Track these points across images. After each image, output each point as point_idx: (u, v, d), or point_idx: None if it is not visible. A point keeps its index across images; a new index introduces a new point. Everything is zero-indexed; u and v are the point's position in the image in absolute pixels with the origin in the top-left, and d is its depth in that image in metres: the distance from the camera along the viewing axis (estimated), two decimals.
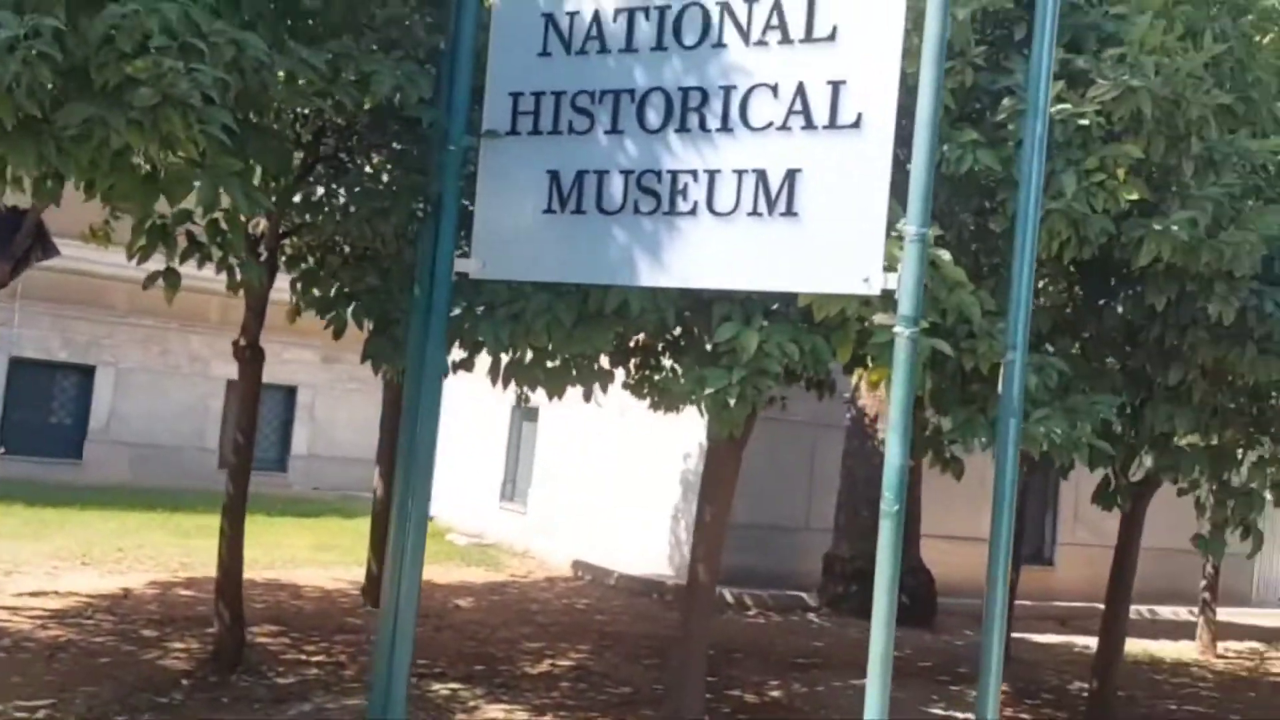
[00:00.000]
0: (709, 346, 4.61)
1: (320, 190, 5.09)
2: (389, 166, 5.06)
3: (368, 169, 5.17)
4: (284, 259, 5.60)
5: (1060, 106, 4.44)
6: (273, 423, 17.78)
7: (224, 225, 4.23)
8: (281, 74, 3.98)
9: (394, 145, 5.01)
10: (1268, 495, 6.04)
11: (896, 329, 3.76)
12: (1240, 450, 6.08)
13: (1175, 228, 4.54)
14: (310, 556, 10.57)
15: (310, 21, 4.54)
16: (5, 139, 3.48)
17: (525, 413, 13.36)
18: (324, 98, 4.30)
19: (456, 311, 4.62)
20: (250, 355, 5.94)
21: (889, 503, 3.74)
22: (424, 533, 4.59)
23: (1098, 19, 4.80)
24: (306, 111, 4.95)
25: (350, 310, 5.22)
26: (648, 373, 5.77)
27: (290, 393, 17.96)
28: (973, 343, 4.50)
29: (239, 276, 4.75)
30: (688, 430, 9.60)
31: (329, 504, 15.26)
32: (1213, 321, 5.05)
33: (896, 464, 3.74)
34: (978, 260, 5.05)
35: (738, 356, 4.23)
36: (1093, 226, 4.53)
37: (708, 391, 4.24)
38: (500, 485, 13.96)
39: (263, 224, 5.29)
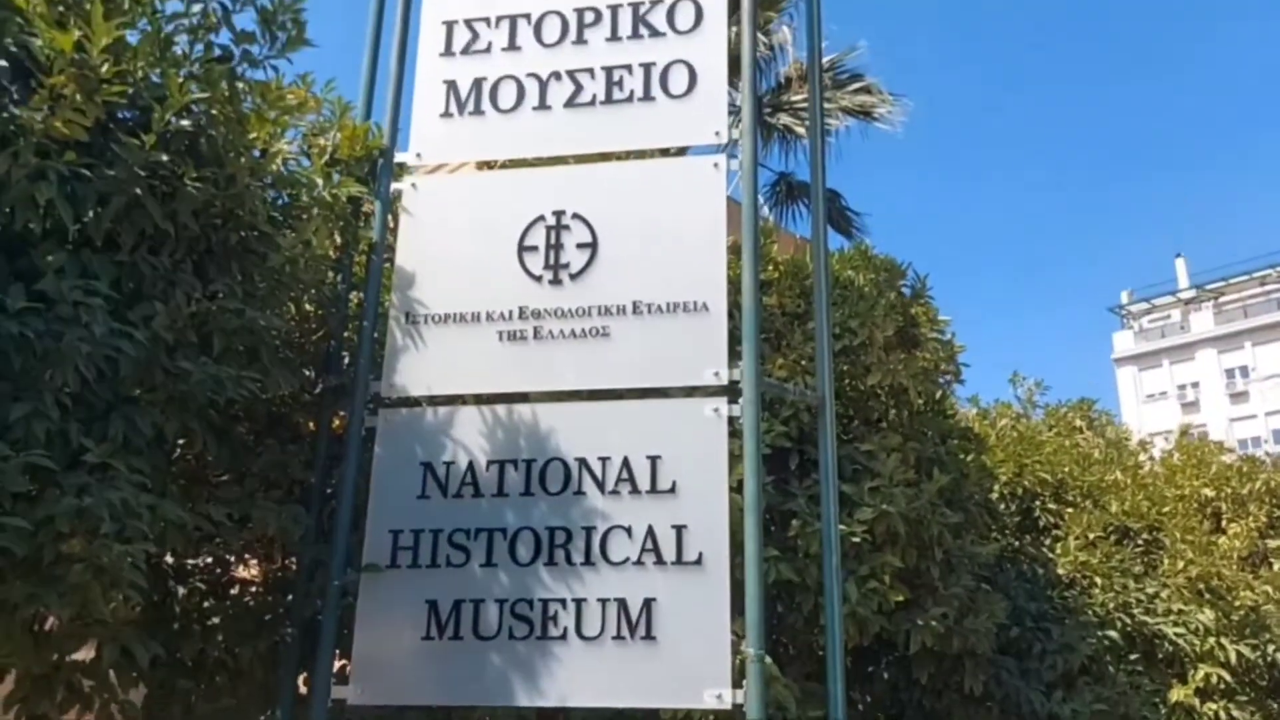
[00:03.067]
0: None
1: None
2: (258, 590, 5.32)
3: (232, 591, 5.40)
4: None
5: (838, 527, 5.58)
6: None
7: (113, 679, 4.33)
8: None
9: (273, 561, 5.31)
10: None
11: None
12: None
13: (933, 621, 5.68)
14: None
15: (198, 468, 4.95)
16: None
17: None
18: (211, 540, 4.66)
19: None
20: None
21: None
22: None
23: (852, 452, 6.15)
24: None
25: None
26: None
27: None
28: None
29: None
30: None
31: None
32: (965, 690, 6.15)
33: None
34: (784, 650, 5.94)
35: None
36: (872, 625, 5.58)
37: None
38: None
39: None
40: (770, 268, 6.64)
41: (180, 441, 4.59)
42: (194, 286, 4.35)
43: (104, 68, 3.74)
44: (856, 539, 5.60)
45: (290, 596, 5.25)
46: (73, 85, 3.67)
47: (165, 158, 4.09)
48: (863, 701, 6.83)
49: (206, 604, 5.21)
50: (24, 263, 3.90)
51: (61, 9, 3.87)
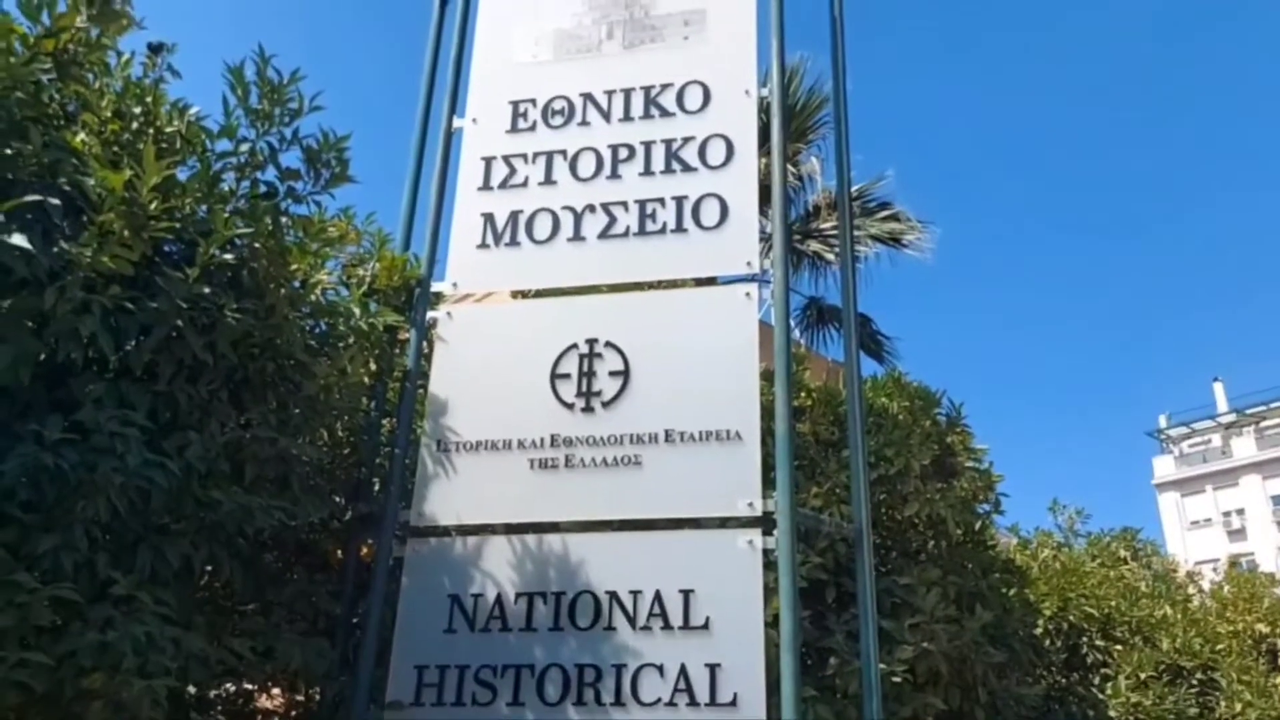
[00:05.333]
0: None
1: None
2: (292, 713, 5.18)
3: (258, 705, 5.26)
4: None
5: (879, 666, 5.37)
6: None
7: None
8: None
9: (296, 691, 5.18)
10: None
11: None
12: None
13: None
14: None
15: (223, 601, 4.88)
16: None
17: None
18: (234, 673, 4.56)
19: None
20: None
21: None
22: None
23: (890, 586, 5.97)
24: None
25: None
26: None
27: None
28: None
29: None
30: None
31: None
32: None
33: None
34: None
35: None
36: None
37: None
38: None
39: None
40: (803, 395, 6.61)
41: (207, 570, 4.54)
42: (229, 415, 4.38)
43: (152, 205, 3.86)
44: (897, 679, 5.39)
45: None
46: (121, 222, 3.78)
47: (207, 290, 4.17)
48: None
49: None
50: (62, 392, 3.95)
51: (115, 149, 4.02)
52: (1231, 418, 49.85)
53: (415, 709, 4.78)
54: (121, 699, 3.63)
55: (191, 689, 5.14)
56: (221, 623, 4.68)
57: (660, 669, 4.65)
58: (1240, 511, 45.92)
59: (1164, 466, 49.73)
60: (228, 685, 5.25)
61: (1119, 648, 8.08)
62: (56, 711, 3.59)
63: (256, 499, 4.30)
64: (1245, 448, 47.45)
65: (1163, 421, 52.50)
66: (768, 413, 5.06)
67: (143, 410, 3.96)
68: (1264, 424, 48.35)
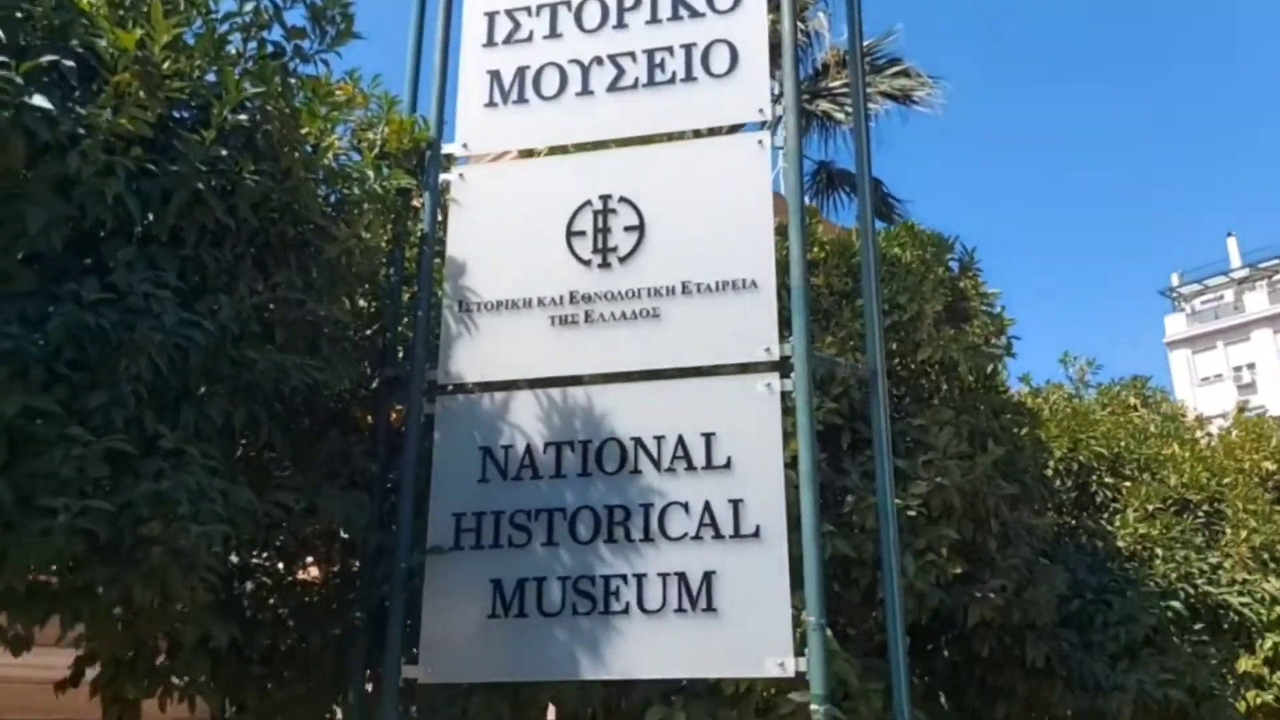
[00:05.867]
0: None
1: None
2: (322, 583, 5.44)
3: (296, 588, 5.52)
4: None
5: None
6: None
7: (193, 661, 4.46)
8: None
9: (332, 562, 5.43)
10: None
11: (813, 706, 4.47)
12: None
13: (992, 594, 5.65)
14: None
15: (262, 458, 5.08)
16: (15, 602, 3.73)
17: None
18: (280, 527, 4.78)
19: None
20: None
21: None
22: None
23: (905, 428, 6.14)
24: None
25: None
26: None
27: None
28: (852, 703, 5.28)
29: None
30: None
31: None
32: (1027, 664, 6.11)
33: None
34: (841, 629, 5.94)
35: None
36: (930, 598, 5.56)
37: None
38: None
39: None
40: (816, 248, 6.65)
41: (246, 433, 4.71)
42: (255, 279, 4.48)
43: (165, 64, 3.87)
44: (912, 513, 5.59)
45: (356, 584, 5.35)
46: (136, 82, 3.80)
47: (224, 152, 4.21)
48: (922, 681, 6.80)
49: (272, 599, 5.34)
50: (93, 258, 4.04)
51: (121, 11, 4.01)
52: (1245, 273, 49.55)
53: (455, 553, 5.01)
54: (179, 545, 3.83)
55: (234, 559, 5.40)
56: (263, 480, 4.88)
57: (685, 506, 4.85)
58: (1251, 366, 46.09)
59: (1175, 325, 49.71)
60: (269, 556, 5.51)
61: (1127, 484, 8.31)
62: (118, 558, 3.79)
63: (290, 358, 4.43)
64: (1258, 302, 47.30)
65: (1175, 280, 52.24)
66: (782, 267, 5.12)
67: (172, 274, 4.05)
68: (1277, 278, 48.10)
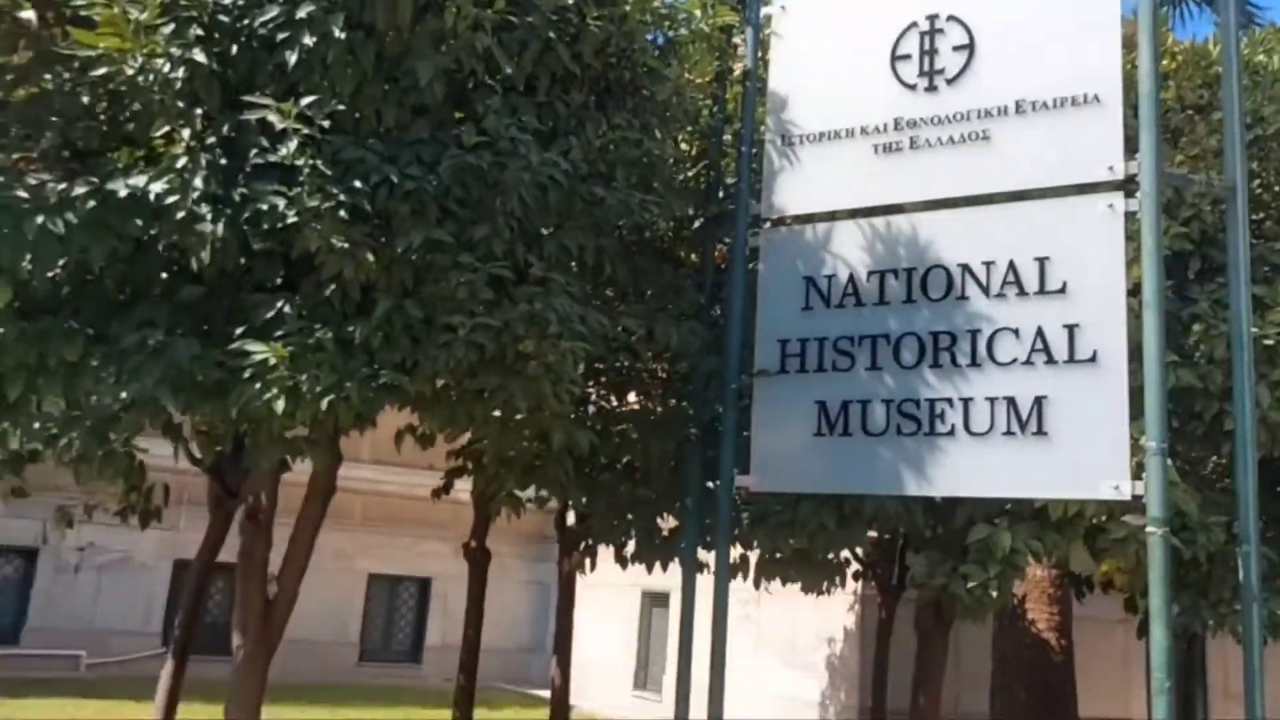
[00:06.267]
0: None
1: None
2: (668, 400, 5.99)
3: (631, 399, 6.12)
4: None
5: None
6: (407, 615, 18.23)
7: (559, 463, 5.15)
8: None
9: (665, 385, 5.96)
10: None
11: (1149, 529, 4.42)
12: None
13: None
14: None
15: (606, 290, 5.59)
16: (424, 405, 4.46)
17: (655, 599, 13.65)
18: (626, 349, 5.28)
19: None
20: (479, 556, 6.78)
21: (1160, 681, 4.28)
22: None
23: (1264, 253, 5.63)
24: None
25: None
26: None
27: (425, 585, 18.42)
28: (1190, 534, 5.14)
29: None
30: (831, 616, 10.06)
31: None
32: None
33: (1164, 645, 4.28)
34: (1181, 462, 5.72)
35: (991, 553, 4.93)
36: None
37: (970, 585, 4.91)
38: (633, 673, 14.05)
39: None
40: (1167, 59, 6.08)
41: (594, 267, 5.19)
42: (600, 122, 4.84)
43: None
44: (1269, 341, 5.19)
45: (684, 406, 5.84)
46: None
47: (570, 0, 4.53)
48: (1262, 520, 6.41)
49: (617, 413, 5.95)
50: (465, 108, 4.54)
51: None
52: None
53: (780, 376, 5.31)
54: (550, 361, 4.37)
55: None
56: (609, 309, 5.39)
57: (1015, 332, 4.81)
58: None
59: None
60: (605, 381, 6.08)
61: None
62: (502, 369, 4.39)
63: (634, 194, 4.80)
64: None
65: None
66: (1128, 83, 4.77)
67: (532, 119, 4.48)
68: None
